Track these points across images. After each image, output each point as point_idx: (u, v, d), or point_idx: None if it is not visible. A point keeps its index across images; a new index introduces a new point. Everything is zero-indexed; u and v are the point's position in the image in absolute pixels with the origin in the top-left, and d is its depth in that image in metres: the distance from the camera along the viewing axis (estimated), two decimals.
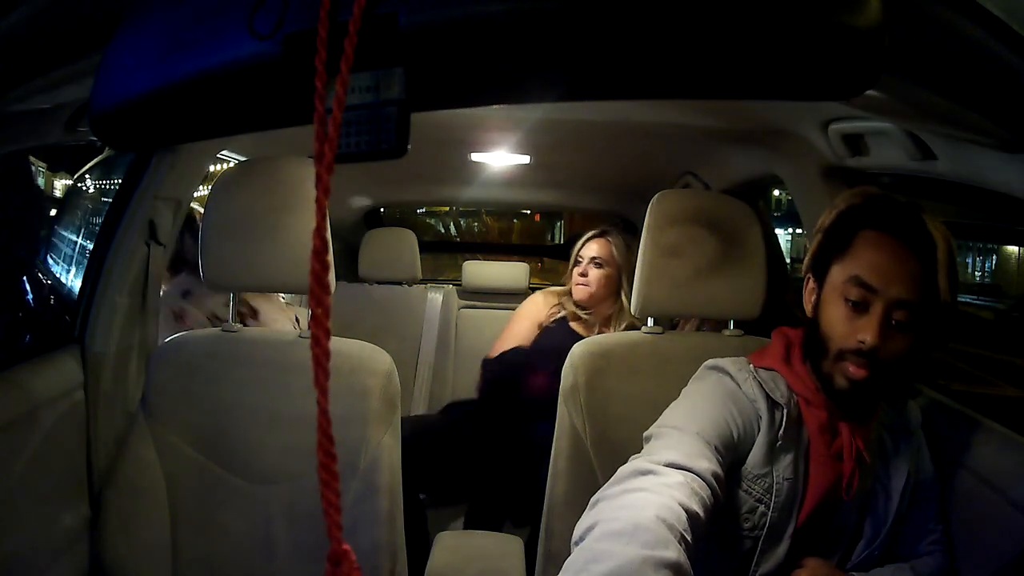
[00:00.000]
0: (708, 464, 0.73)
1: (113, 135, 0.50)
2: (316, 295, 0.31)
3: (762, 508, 0.81)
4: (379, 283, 2.24)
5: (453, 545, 1.14)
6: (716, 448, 0.77)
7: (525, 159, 1.74)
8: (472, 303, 2.35)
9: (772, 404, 0.84)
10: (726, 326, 1.11)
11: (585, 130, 1.38)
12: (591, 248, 1.76)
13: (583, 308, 1.78)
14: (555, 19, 0.33)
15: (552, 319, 1.82)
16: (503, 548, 1.08)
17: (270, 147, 1.46)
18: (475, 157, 1.73)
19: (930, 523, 0.88)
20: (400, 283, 2.24)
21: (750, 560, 0.82)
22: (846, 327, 0.79)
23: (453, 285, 2.36)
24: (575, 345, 1.08)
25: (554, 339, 1.73)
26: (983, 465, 0.87)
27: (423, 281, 2.31)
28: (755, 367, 0.87)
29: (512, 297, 2.34)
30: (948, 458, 0.92)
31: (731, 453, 0.80)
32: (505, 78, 0.37)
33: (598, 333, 1.63)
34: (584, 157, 1.76)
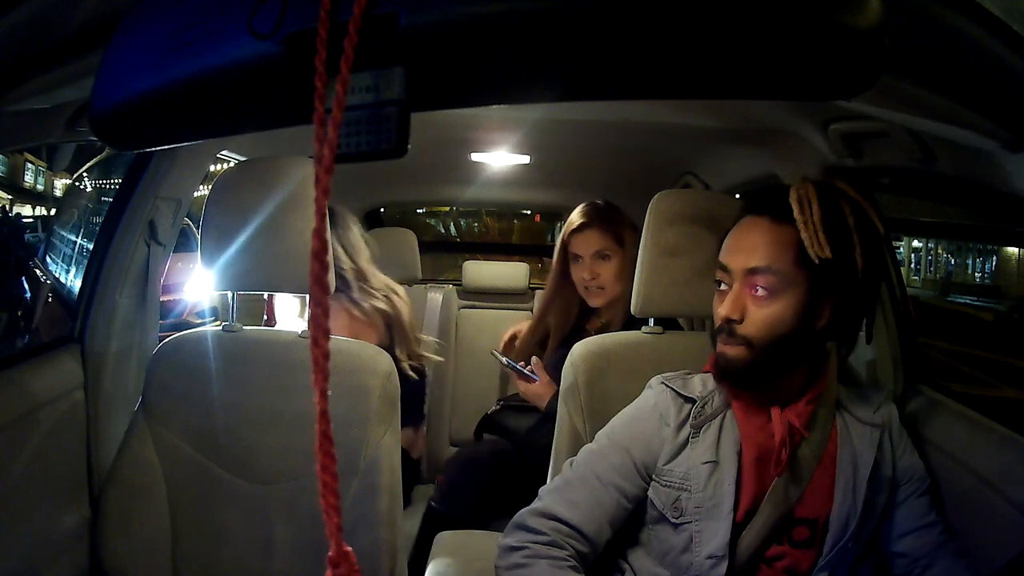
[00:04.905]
0: (591, 511, 0.84)
1: (113, 135, 0.50)
2: (316, 296, 0.31)
3: (685, 494, 0.84)
4: None
5: (453, 545, 1.13)
6: (632, 465, 0.86)
7: (525, 159, 1.73)
8: (472, 303, 2.35)
9: (685, 401, 0.88)
10: None
11: (585, 130, 1.37)
12: None
13: None
14: (555, 19, 0.33)
15: None
16: None
17: (270, 147, 1.45)
18: (475, 157, 1.72)
19: (922, 520, 0.85)
20: (400, 283, 2.24)
21: (690, 544, 0.83)
22: (716, 309, 0.84)
23: (453, 285, 2.36)
24: (575, 345, 1.08)
25: None
26: (983, 465, 0.87)
27: (423, 281, 2.30)
28: (698, 372, 0.93)
29: (512, 297, 2.34)
30: (948, 458, 0.92)
31: (651, 459, 0.87)
32: (505, 78, 0.37)
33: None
34: (584, 157, 1.76)
